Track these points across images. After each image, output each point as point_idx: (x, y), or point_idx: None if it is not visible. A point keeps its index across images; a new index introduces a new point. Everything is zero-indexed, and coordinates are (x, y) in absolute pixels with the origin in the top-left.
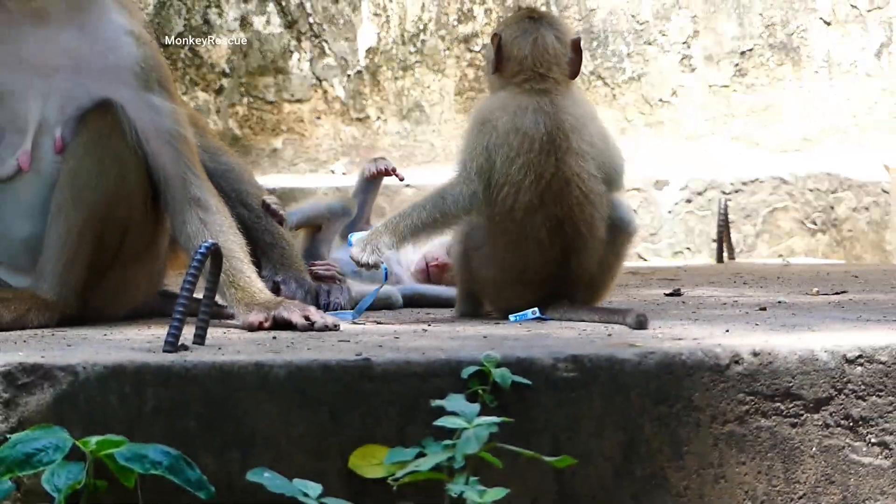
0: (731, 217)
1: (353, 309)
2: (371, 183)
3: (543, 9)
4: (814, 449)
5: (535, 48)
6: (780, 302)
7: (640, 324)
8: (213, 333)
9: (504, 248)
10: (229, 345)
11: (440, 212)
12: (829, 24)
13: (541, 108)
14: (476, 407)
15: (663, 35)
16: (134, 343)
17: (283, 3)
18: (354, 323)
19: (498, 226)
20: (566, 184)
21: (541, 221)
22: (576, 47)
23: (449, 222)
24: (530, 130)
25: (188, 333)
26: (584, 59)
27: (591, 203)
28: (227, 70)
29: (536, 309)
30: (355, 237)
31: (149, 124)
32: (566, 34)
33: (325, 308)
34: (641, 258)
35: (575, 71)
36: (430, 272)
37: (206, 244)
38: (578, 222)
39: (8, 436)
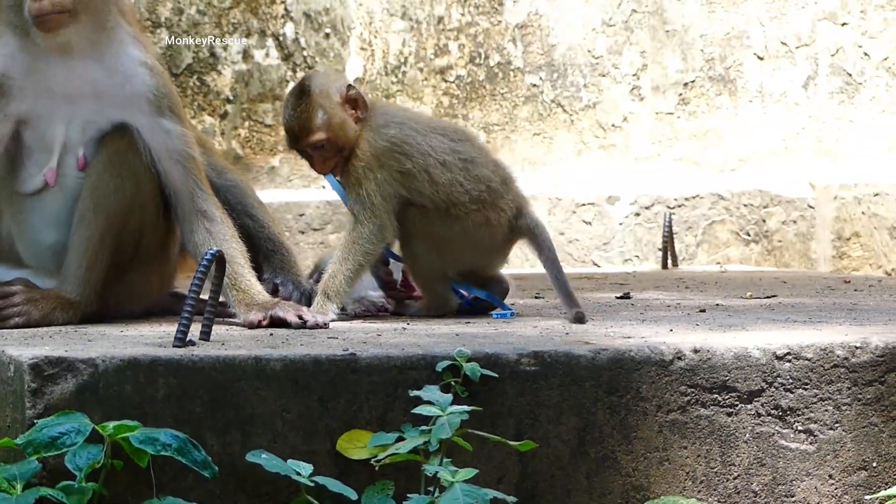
0: (674, 229)
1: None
2: None
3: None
4: (747, 435)
5: None
6: (717, 304)
7: (579, 319)
8: (217, 330)
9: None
10: (231, 340)
11: (363, 254)
12: (762, 59)
13: None
14: (449, 397)
15: (616, 68)
16: (147, 339)
17: (280, 39)
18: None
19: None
20: None
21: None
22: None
23: (372, 259)
24: None
25: (195, 330)
26: (546, 89)
27: None
28: (231, 97)
29: (513, 311)
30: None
31: (161, 145)
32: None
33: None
34: (595, 265)
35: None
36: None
37: (211, 251)
38: None
39: (35, 421)
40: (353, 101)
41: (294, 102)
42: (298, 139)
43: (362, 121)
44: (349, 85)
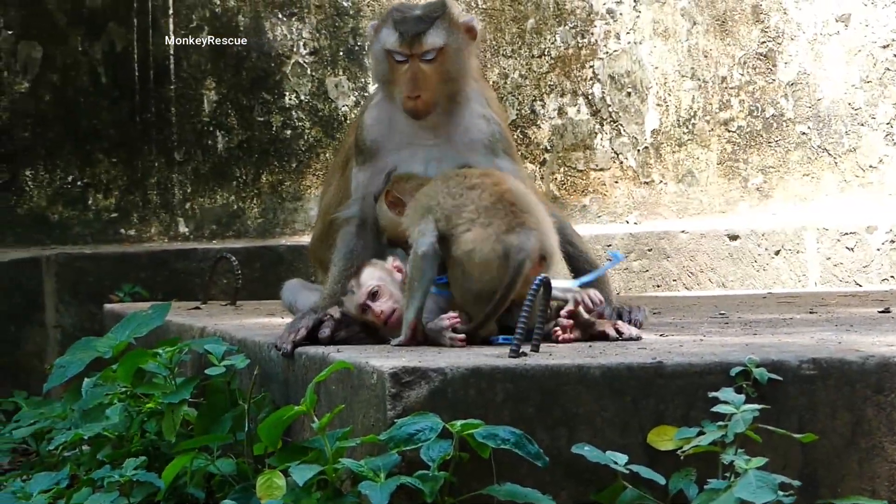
0: None
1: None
2: None
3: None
4: None
5: None
6: None
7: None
8: (545, 344)
9: None
10: (557, 352)
11: None
12: None
13: None
14: (741, 397)
15: (872, 118)
16: (486, 351)
17: (589, 97)
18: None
19: None
20: None
21: None
22: None
23: None
24: None
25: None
26: (814, 137)
27: None
28: (548, 147)
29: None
30: None
31: None
32: None
33: (629, 323)
34: (857, 284)
35: None
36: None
37: (539, 279)
38: None
39: (394, 420)
40: None
41: None
42: None
43: None
44: None
